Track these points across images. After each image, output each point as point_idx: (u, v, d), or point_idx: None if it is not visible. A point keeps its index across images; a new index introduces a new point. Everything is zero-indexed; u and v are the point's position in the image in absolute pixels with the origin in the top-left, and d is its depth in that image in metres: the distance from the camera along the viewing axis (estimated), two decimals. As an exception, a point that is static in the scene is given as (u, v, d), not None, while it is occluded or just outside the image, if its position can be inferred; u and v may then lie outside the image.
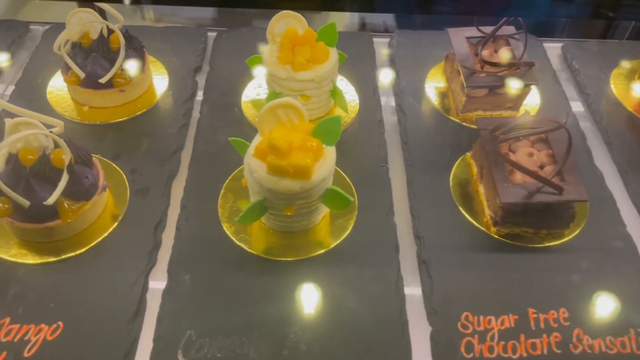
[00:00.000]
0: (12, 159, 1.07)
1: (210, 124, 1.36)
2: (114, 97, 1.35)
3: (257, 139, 1.07)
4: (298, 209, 1.07)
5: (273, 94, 1.30)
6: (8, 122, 1.08)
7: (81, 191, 1.08)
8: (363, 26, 2.16)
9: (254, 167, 1.03)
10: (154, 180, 1.22)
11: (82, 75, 1.30)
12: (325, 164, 1.03)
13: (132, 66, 1.35)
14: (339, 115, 1.05)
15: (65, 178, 1.05)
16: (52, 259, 1.07)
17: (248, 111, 1.39)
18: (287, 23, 1.31)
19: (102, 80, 1.30)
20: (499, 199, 1.09)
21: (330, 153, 1.05)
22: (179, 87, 1.44)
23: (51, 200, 1.03)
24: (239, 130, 1.34)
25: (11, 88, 1.43)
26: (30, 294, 1.02)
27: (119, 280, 1.05)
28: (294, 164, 0.99)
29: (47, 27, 1.61)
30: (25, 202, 1.02)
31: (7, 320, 0.98)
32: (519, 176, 1.12)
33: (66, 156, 1.06)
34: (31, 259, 1.07)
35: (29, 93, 1.40)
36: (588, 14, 1.83)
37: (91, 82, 1.31)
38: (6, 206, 1.06)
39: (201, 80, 1.48)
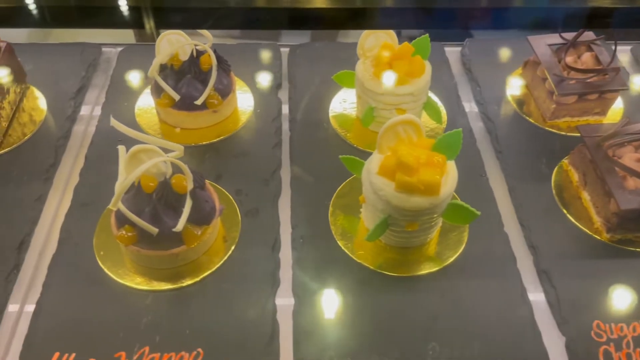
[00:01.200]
0: (133, 187, 1.07)
1: (303, 141, 1.36)
2: (207, 118, 1.35)
3: (376, 157, 1.07)
4: (421, 224, 1.07)
5: (370, 110, 1.31)
6: (121, 149, 1.09)
7: (203, 216, 1.08)
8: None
9: (380, 185, 1.03)
10: (261, 200, 1.22)
11: (177, 97, 1.30)
12: (449, 179, 1.04)
13: (222, 86, 1.35)
14: (460, 129, 1.05)
15: (189, 203, 1.05)
16: (176, 285, 1.07)
17: (338, 126, 1.39)
18: (377, 38, 1.32)
19: (198, 102, 1.30)
20: (616, 206, 1.10)
21: (451, 167, 1.06)
22: (264, 105, 1.44)
23: (180, 226, 1.03)
24: (333, 146, 1.34)
25: (97, 110, 1.42)
26: (163, 322, 1.02)
27: (248, 302, 1.05)
28: (424, 180, 0.99)
29: (119, 48, 1.61)
30: (154, 230, 1.02)
31: (147, 349, 0.98)
32: (631, 182, 1.13)
33: (188, 181, 1.06)
34: (157, 286, 1.07)
35: (118, 116, 1.37)
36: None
37: (185, 104, 1.31)
38: (130, 234, 1.05)
39: (283, 96, 1.49)
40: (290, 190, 1.26)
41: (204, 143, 1.33)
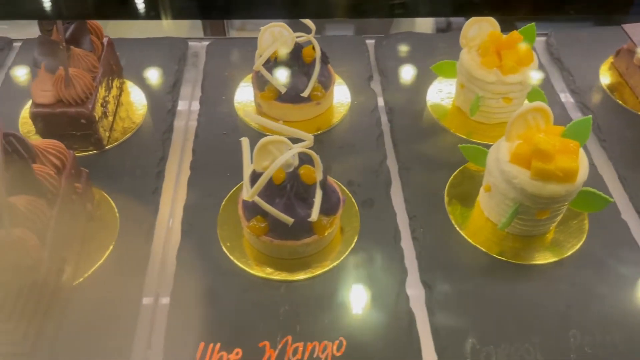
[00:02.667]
0: (258, 178, 1.07)
1: (405, 132, 1.36)
2: (310, 110, 1.35)
3: (505, 145, 1.07)
4: (552, 211, 1.07)
5: (477, 99, 1.31)
6: (244, 141, 1.09)
7: (331, 206, 1.08)
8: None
9: (514, 173, 1.03)
10: (374, 191, 1.22)
11: (283, 90, 1.30)
12: (583, 166, 1.04)
13: (324, 78, 1.35)
14: (590, 117, 1.05)
15: (319, 193, 1.06)
16: (307, 275, 1.07)
17: (437, 116, 1.39)
18: (480, 27, 1.32)
19: (305, 94, 1.30)
20: None
21: (582, 154, 1.05)
22: (359, 97, 1.44)
23: (314, 215, 1.03)
24: (435, 136, 1.35)
25: (195, 104, 1.43)
26: (301, 312, 1.02)
27: (380, 292, 1.05)
28: (562, 167, 0.99)
29: (205, 42, 1.61)
30: (289, 220, 1.02)
31: (289, 338, 0.98)
32: None
33: (318, 172, 1.06)
34: (288, 276, 1.07)
35: (218, 110, 1.40)
36: None
37: (290, 96, 1.31)
38: (262, 225, 1.06)
39: (376, 87, 1.48)
40: (399, 180, 1.26)
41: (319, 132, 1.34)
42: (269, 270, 1.08)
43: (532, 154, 1.01)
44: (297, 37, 1.32)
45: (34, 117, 1.18)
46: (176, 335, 0.99)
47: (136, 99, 1.41)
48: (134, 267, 1.08)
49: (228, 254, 1.10)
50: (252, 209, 1.07)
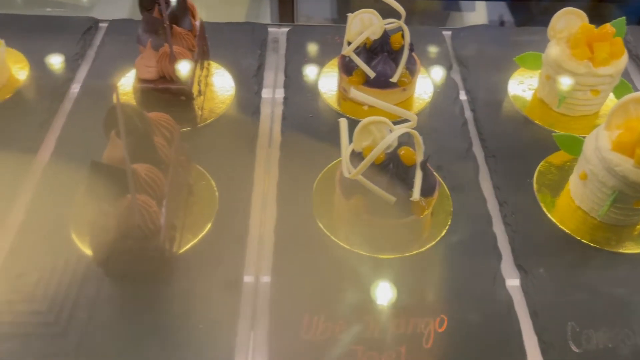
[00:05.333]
0: (357, 159, 1.09)
1: (489, 121, 1.37)
2: (397, 95, 1.37)
3: (604, 134, 1.08)
4: (650, 201, 1.08)
5: (564, 91, 1.32)
6: (343, 122, 1.11)
7: (429, 187, 1.10)
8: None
9: (616, 161, 1.04)
10: (463, 177, 1.24)
11: (372, 74, 1.33)
12: (685, 156, 1.05)
13: (410, 64, 1.37)
14: (692, 107, 1.06)
15: (419, 174, 1.08)
16: (404, 254, 1.09)
17: (520, 106, 1.40)
18: (567, 20, 1.33)
19: (394, 79, 1.32)
20: None
21: (680, 145, 1.06)
22: (440, 86, 1.46)
23: (416, 195, 1.05)
24: (519, 126, 1.36)
25: (279, 89, 1.46)
26: (400, 289, 1.04)
27: (477, 274, 1.07)
28: (668, 156, 1.00)
29: (285, 28, 1.64)
30: (392, 198, 1.05)
31: (391, 313, 1.01)
32: None
33: (419, 153, 1.08)
34: (385, 255, 1.09)
35: (303, 93, 1.43)
36: None
37: (379, 82, 1.34)
38: (362, 203, 1.08)
39: (456, 77, 1.50)
40: (487, 167, 1.28)
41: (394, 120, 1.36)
42: (366, 247, 1.10)
43: (636, 142, 1.02)
44: (387, 24, 1.34)
45: (138, 92, 1.22)
46: (280, 309, 1.02)
47: (223, 81, 1.44)
48: (233, 241, 1.11)
49: (326, 230, 1.13)
50: (351, 188, 1.09)
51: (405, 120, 1.09)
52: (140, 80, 1.22)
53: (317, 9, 2.17)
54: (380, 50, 1.34)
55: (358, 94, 1.07)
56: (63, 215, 1.12)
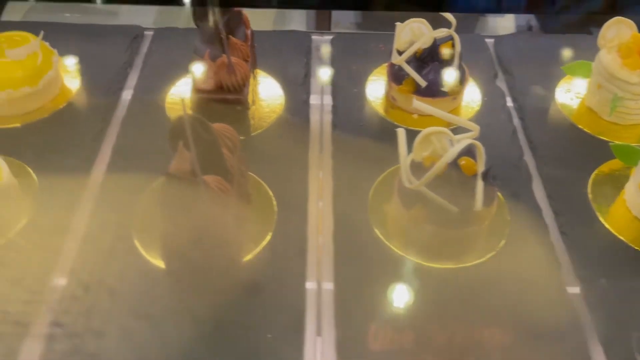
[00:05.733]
0: (416, 167, 1.10)
1: (539, 129, 1.38)
2: (446, 104, 1.38)
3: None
4: None
5: (615, 100, 1.32)
6: (400, 132, 1.12)
7: (488, 197, 1.11)
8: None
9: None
10: (516, 185, 1.25)
11: (423, 84, 1.34)
12: None
13: (460, 73, 1.38)
14: None
15: (480, 184, 1.08)
16: (464, 264, 1.10)
17: (569, 114, 1.41)
18: (617, 29, 1.33)
19: (445, 88, 1.33)
20: None
21: None
22: (487, 94, 1.47)
23: (479, 205, 1.06)
24: (569, 135, 1.37)
25: (327, 99, 1.47)
26: (463, 298, 1.05)
27: (538, 282, 1.08)
28: None
29: (327, 36, 1.65)
30: (454, 209, 1.06)
31: (454, 322, 1.02)
32: None
33: (481, 163, 1.09)
34: (445, 264, 1.10)
35: (351, 101, 1.44)
36: None
37: (430, 91, 1.35)
38: (422, 213, 1.09)
39: (502, 85, 1.51)
40: (539, 176, 1.28)
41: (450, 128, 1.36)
42: (425, 256, 1.11)
43: None
44: (438, 33, 1.35)
45: (195, 102, 1.23)
46: (346, 318, 1.03)
47: (271, 89, 1.46)
48: (293, 250, 1.12)
49: (384, 239, 1.14)
50: (412, 197, 1.10)
51: (463, 130, 1.10)
52: (198, 90, 1.23)
53: (348, 17, 2.18)
54: (430, 59, 1.35)
55: (421, 105, 1.08)
56: (125, 225, 1.14)
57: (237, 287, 1.05)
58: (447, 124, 1.37)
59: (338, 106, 1.43)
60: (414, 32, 1.37)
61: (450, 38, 1.36)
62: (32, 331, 0.98)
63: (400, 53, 1.36)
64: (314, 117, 1.42)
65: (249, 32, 1.38)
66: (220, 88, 1.23)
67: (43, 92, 1.36)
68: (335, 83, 1.50)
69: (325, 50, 1.62)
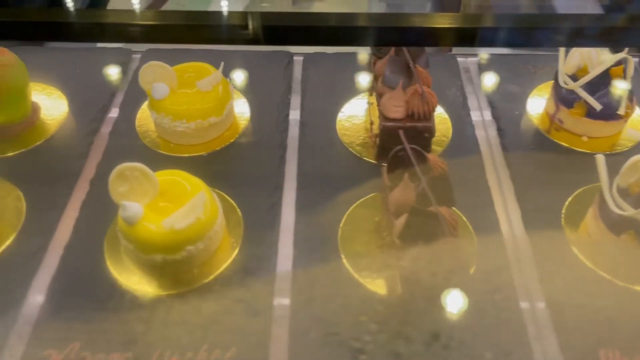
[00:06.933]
0: (621, 193, 1.13)
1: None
2: (617, 126, 1.40)
3: None
4: None
5: None
6: (599, 158, 1.15)
7: None
8: None
9: None
10: None
11: (598, 107, 1.36)
12: None
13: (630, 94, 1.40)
14: None
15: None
16: None
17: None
18: None
19: (621, 111, 1.36)
20: None
21: None
22: (648, 113, 1.49)
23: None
24: None
25: (487, 114, 1.50)
26: None
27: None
28: None
29: (472, 58, 1.69)
30: (670, 235, 1.08)
31: None
32: None
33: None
34: None
35: (516, 124, 1.47)
36: None
37: (604, 114, 1.37)
38: None
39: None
40: None
41: (616, 151, 1.39)
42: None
43: None
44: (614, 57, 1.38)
45: (386, 130, 1.27)
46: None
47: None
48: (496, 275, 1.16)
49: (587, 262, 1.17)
50: (621, 223, 1.12)
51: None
52: (387, 118, 1.27)
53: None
54: (602, 83, 1.38)
55: (636, 134, 1.11)
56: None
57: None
58: (610, 146, 1.41)
59: (503, 129, 1.46)
60: (582, 56, 1.39)
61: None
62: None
63: (570, 77, 1.39)
64: (480, 133, 1.46)
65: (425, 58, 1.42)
66: (409, 116, 1.27)
67: (225, 121, 1.41)
68: (494, 104, 1.53)
69: (474, 71, 1.65)
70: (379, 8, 2.82)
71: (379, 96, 1.32)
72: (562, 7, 2.48)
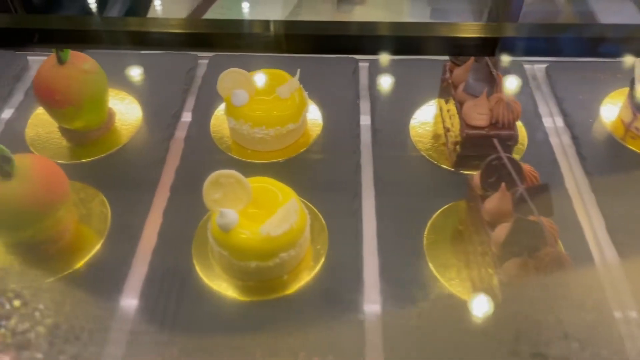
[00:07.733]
0: None
1: None
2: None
3: None
4: None
5: None
6: None
7: None
8: None
9: None
10: None
11: (680, 117, 1.35)
12: None
13: None
14: None
15: None
16: None
17: None
18: None
19: None
20: None
21: None
22: None
23: None
24: None
25: (559, 120, 1.51)
26: None
27: None
28: None
29: (540, 65, 1.68)
30: None
31: None
32: None
33: None
34: None
35: (589, 131, 1.46)
36: None
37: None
38: None
39: None
40: None
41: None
42: None
43: None
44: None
45: (469, 138, 1.27)
46: None
47: (505, 120, 1.49)
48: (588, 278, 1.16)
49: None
50: None
51: None
52: (470, 126, 1.27)
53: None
54: (680, 90, 1.37)
55: None
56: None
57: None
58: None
59: (578, 136, 1.45)
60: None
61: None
62: None
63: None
64: (553, 139, 1.45)
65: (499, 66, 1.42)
66: (492, 124, 1.27)
67: (301, 128, 1.42)
68: (565, 109, 1.52)
69: (540, 78, 1.65)
70: (423, 12, 2.81)
71: (459, 104, 1.31)
72: (600, 11, 2.48)
